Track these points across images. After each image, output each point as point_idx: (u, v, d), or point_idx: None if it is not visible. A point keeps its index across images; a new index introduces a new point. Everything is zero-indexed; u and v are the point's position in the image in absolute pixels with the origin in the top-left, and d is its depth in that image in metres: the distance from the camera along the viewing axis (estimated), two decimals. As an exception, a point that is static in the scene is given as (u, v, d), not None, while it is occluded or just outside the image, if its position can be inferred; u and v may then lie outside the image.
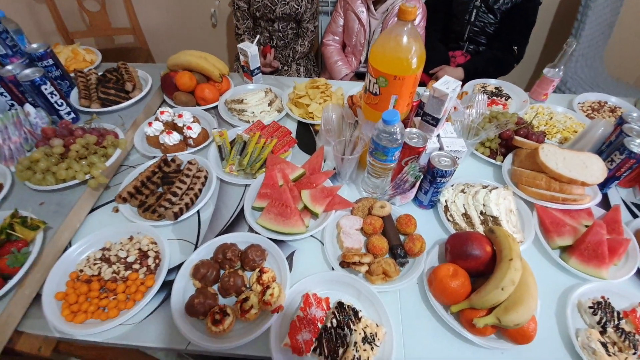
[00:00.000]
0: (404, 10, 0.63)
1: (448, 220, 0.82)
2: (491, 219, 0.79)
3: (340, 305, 0.65)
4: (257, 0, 1.56)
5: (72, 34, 2.04)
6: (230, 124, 1.09)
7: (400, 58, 0.68)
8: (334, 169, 0.91)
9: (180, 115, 1.01)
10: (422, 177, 0.78)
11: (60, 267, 0.69)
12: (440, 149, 0.82)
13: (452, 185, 0.88)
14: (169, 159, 0.91)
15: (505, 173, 0.91)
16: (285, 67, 1.76)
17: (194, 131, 0.99)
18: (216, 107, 1.14)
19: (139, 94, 1.07)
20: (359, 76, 1.73)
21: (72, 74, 1.08)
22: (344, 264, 0.70)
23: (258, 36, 1.34)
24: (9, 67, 0.89)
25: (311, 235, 0.79)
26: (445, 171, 0.74)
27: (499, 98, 1.20)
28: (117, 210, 0.83)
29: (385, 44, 0.68)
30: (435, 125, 0.80)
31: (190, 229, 0.80)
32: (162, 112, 1.02)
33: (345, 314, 0.63)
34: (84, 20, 2.10)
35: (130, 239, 0.75)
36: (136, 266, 0.70)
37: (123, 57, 1.57)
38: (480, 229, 0.78)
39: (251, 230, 0.79)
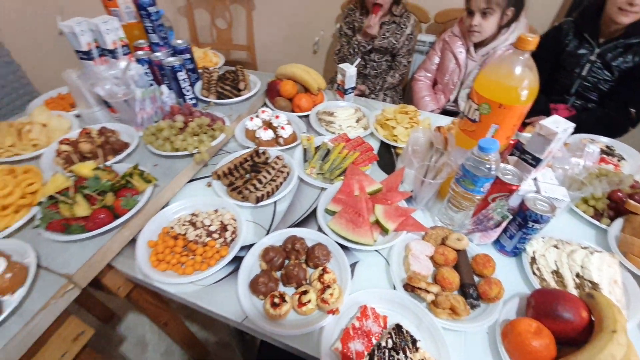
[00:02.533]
0: (524, 39, 0.61)
1: (534, 274, 0.72)
2: (589, 284, 0.67)
3: (398, 327, 0.60)
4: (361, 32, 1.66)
5: (201, 45, 2.39)
6: (317, 132, 1.14)
7: (510, 87, 0.64)
8: (411, 191, 0.88)
9: (277, 117, 1.10)
10: (510, 218, 0.71)
11: (157, 219, 0.78)
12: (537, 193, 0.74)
13: (542, 238, 0.78)
14: (261, 151, 0.98)
15: (612, 239, 0.78)
16: (373, 95, 1.81)
17: (286, 132, 1.06)
18: (308, 115, 1.21)
19: (248, 93, 1.19)
20: (444, 114, 1.69)
21: (200, 70, 1.26)
22: (409, 287, 0.66)
23: (359, 59, 1.41)
24: (157, 54, 1.07)
25: (377, 251, 0.76)
26: (541, 216, 0.66)
27: (611, 157, 1.05)
28: (209, 185, 0.91)
29: (497, 70, 0.66)
30: (535, 167, 0.73)
31: (266, 216, 0.84)
32: (263, 111, 1.12)
33: (403, 339, 0.59)
34: (212, 34, 2.46)
35: (216, 211, 0.82)
36: (215, 235, 0.75)
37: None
38: (573, 292, 0.67)
39: (320, 230, 0.79)
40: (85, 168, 0.76)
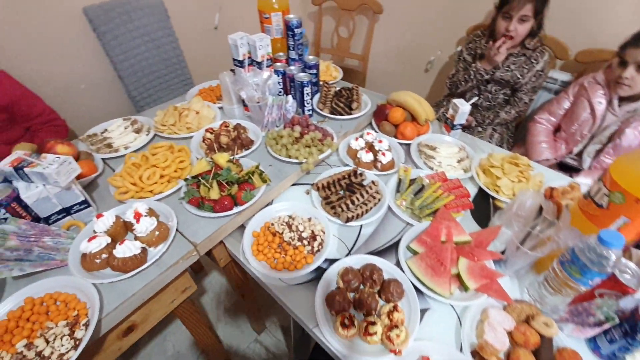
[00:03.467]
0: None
1: (630, 389, 0.63)
2: None
3: (456, 389, 0.61)
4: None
5: (321, 49, 2.57)
6: (415, 163, 1.15)
7: (658, 186, 0.57)
8: (503, 253, 0.84)
9: (380, 141, 1.14)
10: (616, 322, 0.63)
11: (262, 214, 0.91)
12: (661, 304, 0.64)
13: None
14: (359, 172, 1.05)
15: None
16: (480, 128, 1.70)
17: (385, 158, 1.10)
18: (409, 145, 1.23)
19: (358, 113, 1.26)
20: (559, 166, 1.50)
21: (320, 83, 1.38)
22: (478, 356, 0.65)
23: (476, 97, 1.35)
24: (292, 67, 1.21)
25: (451, 305, 0.76)
26: (659, 335, 0.57)
27: None
28: (308, 193, 1.01)
29: (645, 162, 0.59)
30: (667, 276, 0.63)
31: (351, 236, 0.91)
32: (368, 133, 1.18)
33: (459, 402, 0.59)
34: (333, 41, 2.61)
35: (309, 219, 0.91)
36: (305, 242, 0.85)
37: (345, 74, 1.86)
38: None
39: (398, 265, 0.82)
40: (222, 158, 0.93)
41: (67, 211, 0.80)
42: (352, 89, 1.34)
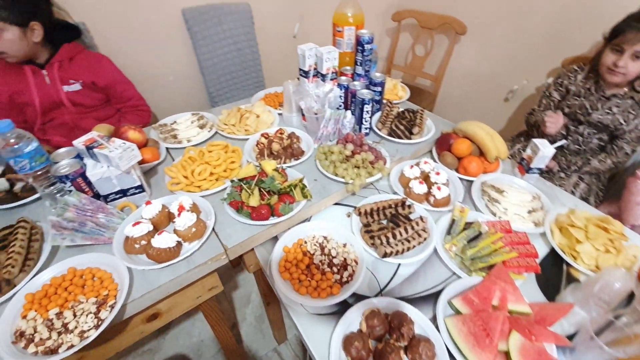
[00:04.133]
0: None
1: None
2: None
3: None
4: (575, 98, 1.33)
5: (394, 66, 2.48)
6: (475, 205, 1.01)
7: None
8: (570, 339, 0.67)
9: (437, 173, 1.03)
10: None
11: (297, 230, 0.87)
12: None
13: None
14: (408, 203, 0.95)
15: None
16: (562, 174, 1.45)
17: (441, 193, 0.98)
18: (472, 182, 1.09)
19: (418, 139, 1.16)
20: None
21: (384, 101, 1.30)
22: None
23: (564, 141, 1.15)
24: (356, 83, 1.17)
25: (491, 385, 0.63)
26: None
27: None
28: (349, 216, 0.95)
29: None
30: None
31: (385, 274, 0.82)
32: (425, 162, 1.07)
33: None
34: (407, 58, 2.51)
35: (344, 245, 0.85)
36: (335, 269, 0.78)
37: (413, 93, 1.73)
38: None
39: (434, 321, 0.71)
40: (269, 165, 0.92)
41: (124, 192, 0.85)
42: (416, 112, 1.25)
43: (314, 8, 2.10)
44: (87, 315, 0.62)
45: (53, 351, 0.58)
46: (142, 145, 1.00)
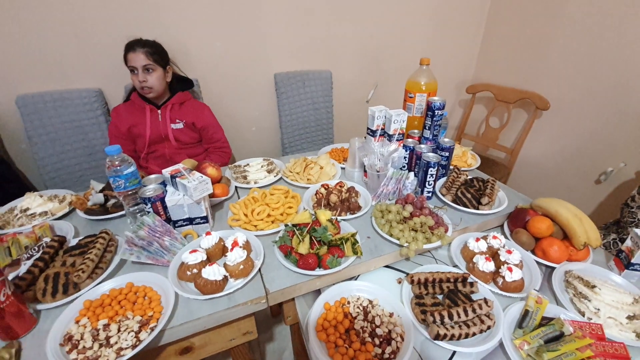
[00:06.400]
0: None
1: None
2: None
3: None
4: None
5: (464, 135, 2.40)
6: (557, 298, 0.82)
7: None
8: None
9: (509, 252, 0.89)
10: None
11: (342, 286, 0.81)
12: None
13: None
14: (470, 280, 0.82)
15: None
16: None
17: (512, 276, 0.83)
18: (553, 269, 0.90)
19: (487, 210, 1.04)
20: None
21: (451, 167, 1.23)
22: None
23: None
24: (422, 146, 1.13)
25: None
26: None
27: None
28: (399, 282, 0.86)
29: None
30: None
31: (437, 359, 0.68)
32: (495, 237, 0.94)
33: None
34: (479, 129, 2.41)
35: (391, 315, 0.75)
36: (377, 342, 0.68)
37: (485, 164, 1.58)
38: None
39: None
40: (324, 215, 0.90)
41: (190, 220, 0.91)
42: (487, 181, 1.14)
43: (388, 77, 2.22)
44: (128, 333, 0.63)
45: (90, 362, 0.59)
46: (216, 181, 1.09)
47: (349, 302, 0.78)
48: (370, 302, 0.78)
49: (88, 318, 0.66)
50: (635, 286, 0.85)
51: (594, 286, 0.83)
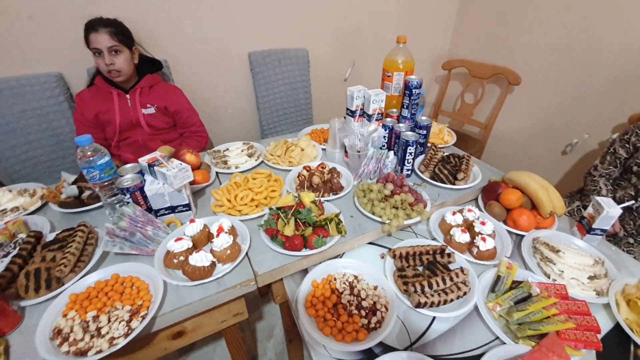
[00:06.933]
0: None
1: None
2: None
3: None
4: None
5: (441, 112, 2.45)
6: (525, 263, 0.90)
7: None
8: None
9: (483, 223, 0.95)
10: None
11: (328, 265, 0.84)
12: None
13: None
14: (447, 252, 0.88)
15: None
16: (631, 240, 1.24)
17: (485, 245, 0.89)
18: (522, 237, 0.98)
19: (463, 185, 1.09)
20: None
21: (429, 144, 1.27)
22: None
23: (632, 202, 1.01)
24: (400, 125, 1.16)
25: None
26: None
27: None
28: (382, 257, 0.90)
29: None
30: None
31: (418, 326, 0.74)
32: (469, 210, 0.99)
33: None
34: (455, 105, 2.46)
35: (375, 288, 0.79)
36: (363, 313, 0.73)
37: (460, 140, 1.62)
38: None
39: (471, 390, 0.61)
40: (307, 197, 0.92)
41: (172, 209, 0.90)
42: (462, 157, 1.19)
43: (365, 55, 2.19)
44: (119, 323, 0.63)
45: (83, 353, 0.60)
46: (195, 168, 1.07)
47: (335, 279, 0.81)
48: (356, 277, 0.82)
49: (76, 311, 0.65)
50: (595, 249, 0.94)
51: (558, 250, 0.91)
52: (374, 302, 0.75)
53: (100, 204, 0.94)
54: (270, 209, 0.91)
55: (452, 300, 0.77)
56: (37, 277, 0.70)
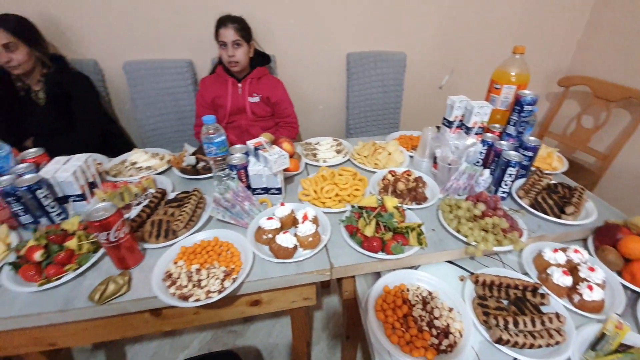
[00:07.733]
0: None
1: None
2: None
3: None
4: None
5: (548, 133, 2.14)
6: (643, 328, 0.74)
7: None
8: None
9: (592, 269, 0.81)
10: None
11: (402, 273, 0.83)
12: None
13: None
14: (541, 292, 0.78)
15: None
16: None
17: (592, 295, 0.76)
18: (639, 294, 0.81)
19: (571, 221, 0.95)
20: None
21: (533, 168, 1.13)
22: None
23: None
24: (503, 142, 1.05)
25: None
26: None
27: None
28: (462, 279, 0.84)
29: None
30: None
31: (496, 363, 0.67)
32: (576, 250, 0.86)
33: None
34: (567, 128, 2.12)
35: (450, 310, 0.75)
36: (434, 332, 0.69)
37: (570, 170, 1.39)
38: None
39: None
40: (391, 202, 0.91)
41: (266, 190, 0.99)
42: (574, 188, 1.03)
43: (466, 63, 2.04)
44: (215, 279, 0.73)
45: (184, 298, 0.70)
46: (289, 156, 1.15)
47: (408, 290, 0.79)
48: (430, 293, 0.79)
49: (184, 261, 0.78)
50: None
51: (695, 324, 0.73)
52: (448, 325, 0.71)
53: (210, 175, 1.09)
54: (353, 206, 0.93)
55: (540, 346, 0.68)
56: (159, 226, 0.85)
